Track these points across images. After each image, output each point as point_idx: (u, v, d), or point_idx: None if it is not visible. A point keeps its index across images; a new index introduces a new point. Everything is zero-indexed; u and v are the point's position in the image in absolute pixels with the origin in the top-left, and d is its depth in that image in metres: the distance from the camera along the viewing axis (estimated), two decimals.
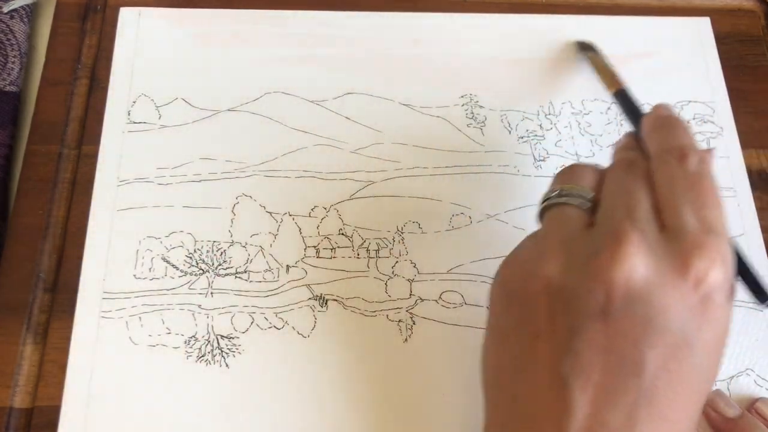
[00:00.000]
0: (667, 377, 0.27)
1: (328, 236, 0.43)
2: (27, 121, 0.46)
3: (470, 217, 0.45)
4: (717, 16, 0.53)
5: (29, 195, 0.43)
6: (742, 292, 0.36)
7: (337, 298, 0.42)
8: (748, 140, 0.48)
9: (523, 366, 0.30)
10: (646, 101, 0.49)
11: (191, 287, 0.41)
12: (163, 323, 0.40)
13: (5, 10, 0.48)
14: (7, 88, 0.46)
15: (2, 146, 0.45)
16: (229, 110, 0.47)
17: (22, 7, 0.48)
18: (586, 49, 0.48)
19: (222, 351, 0.40)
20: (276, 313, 0.41)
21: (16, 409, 0.38)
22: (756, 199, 0.47)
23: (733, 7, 0.53)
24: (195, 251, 0.42)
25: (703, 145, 0.48)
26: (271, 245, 0.43)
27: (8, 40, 0.47)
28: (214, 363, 0.40)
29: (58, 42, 0.48)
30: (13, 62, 0.47)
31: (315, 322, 0.41)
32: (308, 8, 0.50)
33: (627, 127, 0.48)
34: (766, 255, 0.45)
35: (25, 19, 0.49)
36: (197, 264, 0.42)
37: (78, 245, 0.42)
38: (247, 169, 0.45)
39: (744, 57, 0.52)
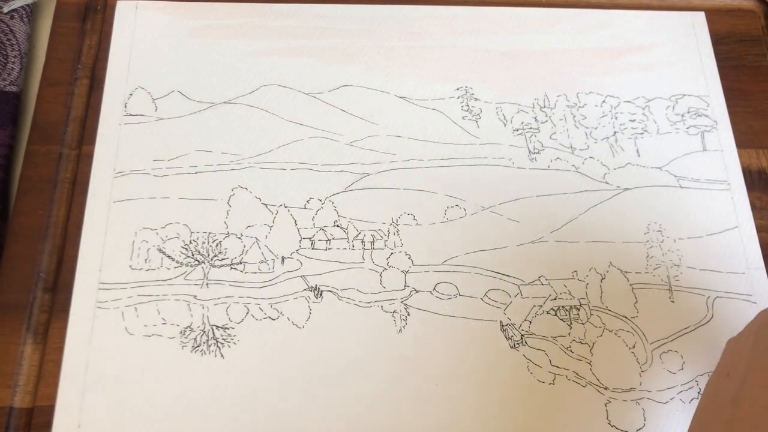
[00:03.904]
0: None
1: (324, 228, 0.44)
2: (27, 121, 0.46)
3: (465, 209, 0.45)
4: (716, 15, 0.53)
5: (29, 195, 0.44)
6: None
7: (332, 289, 0.42)
8: (747, 140, 0.49)
9: None
10: (641, 94, 0.49)
11: (187, 278, 0.42)
12: (159, 313, 0.41)
13: (5, 10, 0.48)
14: (8, 88, 0.46)
15: (2, 146, 0.45)
16: (225, 103, 0.47)
17: (22, 7, 0.48)
18: None
19: (217, 341, 0.40)
20: (271, 304, 0.41)
21: (17, 408, 0.38)
22: (755, 199, 0.47)
23: (732, 6, 0.53)
24: (191, 242, 0.43)
25: (697, 139, 0.48)
26: (266, 237, 0.43)
27: (8, 40, 0.47)
28: (209, 353, 0.40)
29: (58, 42, 0.48)
30: (13, 62, 0.47)
31: (310, 313, 0.41)
32: (304, 1, 0.51)
33: (622, 119, 0.48)
34: (760, 249, 0.45)
35: (25, 19, 0.49)
36: (193, 255, 0.42)
37: (78, 245, 0.42)
38: (242, 161, 0.45)
39: (743, 57, 0.52)
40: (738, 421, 0.28)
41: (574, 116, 0.48)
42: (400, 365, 0.40)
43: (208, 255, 0.42)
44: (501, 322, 0.42)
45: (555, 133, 0.48)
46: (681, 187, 0.47)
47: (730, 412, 0.29)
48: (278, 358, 0.40)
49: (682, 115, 0.49)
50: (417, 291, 0.42)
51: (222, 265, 0.42)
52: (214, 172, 0.45)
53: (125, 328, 0.40)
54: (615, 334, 0.42)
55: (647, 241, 0.45)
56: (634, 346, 0.42)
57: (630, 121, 0.48)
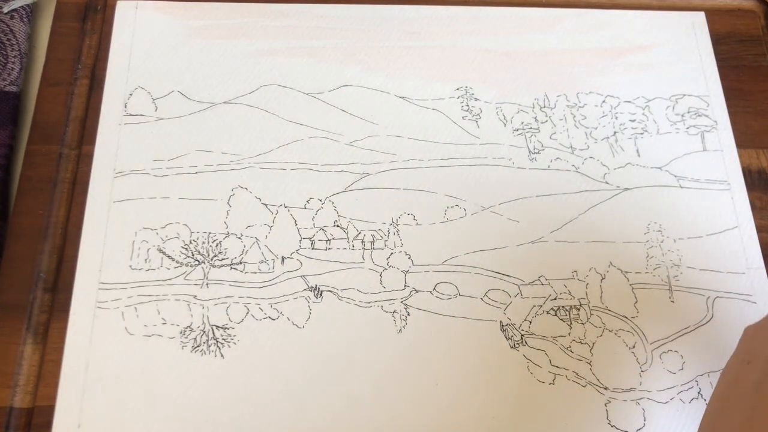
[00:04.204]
0: None
1: (324, 228, 0.44)
2: (27, 121, 0.46)
3: (465, 209, 0.45)
4: (716, 15, 0.53)
5: (29, 195, 0.44)
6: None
7: (332, 289, 0.42)
8: (747, 140, 0.49)
9: None
10: (641, 94, 0.49)
11: (187, 278, 0.42)
12: (159, 314, 0.41)
13: (5, 10, 0.48)
14: (7, 88, 0.46)
15: (2, 146, 0.45)
16: (224, 103, 0.47)
17: (22, 7, 0.48)
18: None
19: (217, 341, 0.40)
20: (271, 304, 0.41)
21: (17, 408, 0.38)
22: (756, 199, 0.47)
23: (732, 6, 0.53)
24: (191, 242, 0.43)
25: (697, 139, 0.48)
26: (266, 237, 0.43)
27: (8, 40, 0.47)
28: (209, 353, 0.40)
29: (58, 42, 0.48)
30: (13, 62, 0.47)
31: (310, 313, 0.41)
32: (304, 1, 0.51)
33: (622, 119, 0.49)
34: (760, 250, 0.45)
35: (25, 19, 0.49)
36: (193, 255, 0.42)
37: (78, 245, 0.42)
38: (242, 161, 0.45)
39: (743, 57, 0.52)
40: (762, 408, 0.28)
41: (574, 116, 0.48)
42: (400, 365, 0.40)
43: (208, 255, 0.42)
44: (501, 322, 0.42)
45: (555, 133, 0.48)
46: (681, 187, 0.47)
47: (753, 399, 0.29)
48: (278, 358, 0.40)
49: (682, 115, 0.49)
50: (417, 291, 0.42)
51: (222, 265, 0.42)
52: (214, 172, 0.45)
53: (125, 328, 0.40)
54: (615, 334, 0.42)
55: (647, 241, 0.45)
56: (634, 346, 0.42)
57: (630, 121, 0.48)
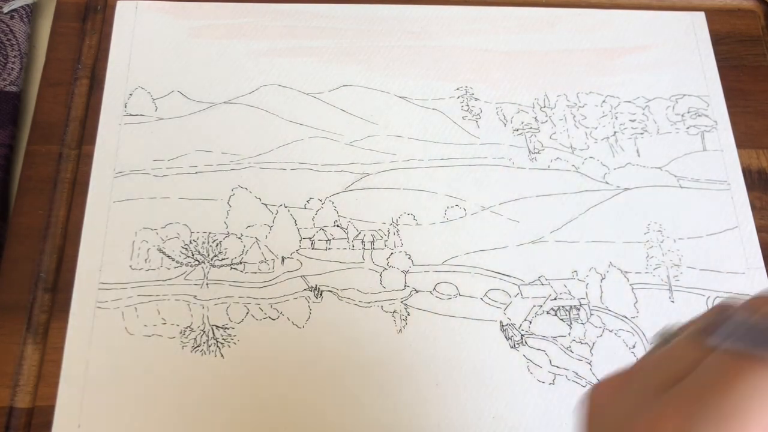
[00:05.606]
0: None
1: (324, 228, 0.44)
2: (27, 121, 0.46)
3: (465, 209, 0.45)
4: (716, 15, 0.53)
5: (29, 195, 0.44)
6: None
7: (332, 290, 0.42)
8: (747, 140, 0.49)
9: None
10: (641, 94, 0.49)
11: (187, 278, 0.42)
12: (159, 314, 0.41)
13: (5, 10, 0.48)
14: (8, 88, 0.46)
15: (2, 146, 0.45)
16: (225, 103, 0.47)
17: (22, 7, 0.48)
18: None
19: (217, 341, 0.40)
20: (271, 304, 0.41)
21: (17, 408, 0.38)
22: (755, 199, 0.47)
23: (732, 7, 0.53)
24: (191, 242, 0.43)
25: (697, 139, 0.48)
26: (266, 237, 0.43)
27: (8, 40, 0.47)
28: (209, 353, 0.40)
29: (58, 42, 0.48)
30: (13, 62, 0.47)
31: (310, 313, 0.41)
32: (304, 1, 0.51)
33: (622, 119, 0.49)
34: (760, 250, 0.45)
35: (25, 19, 0.49)
36: (193, 255, 0.42)
37: (78, 245, 0.42)
38: (242, 161, 0.45)
39: (743, 57, 0.52)
40: None
41: (574, 116, 0.48)
42: (400, 365, 0.40)
43: (208, 255, 0.42)
44: (501, 322, 0.42)
45: (555, 133, 0.48)
46: (681, 187, 0.46)
47: None
48: (278, 357, 0.40)
49: (682, 115, 0.49)
50: (417, 291, 0.42)
51: (222, 265, 0.42)
52: (214, 172, 0.45)
53: (125, 328, 0.40)
54: (615, 334, 0.42)
55: (647, 241, 0.45)
56: (634, 346, 0.42)
57: (630, 121, 0.48)
